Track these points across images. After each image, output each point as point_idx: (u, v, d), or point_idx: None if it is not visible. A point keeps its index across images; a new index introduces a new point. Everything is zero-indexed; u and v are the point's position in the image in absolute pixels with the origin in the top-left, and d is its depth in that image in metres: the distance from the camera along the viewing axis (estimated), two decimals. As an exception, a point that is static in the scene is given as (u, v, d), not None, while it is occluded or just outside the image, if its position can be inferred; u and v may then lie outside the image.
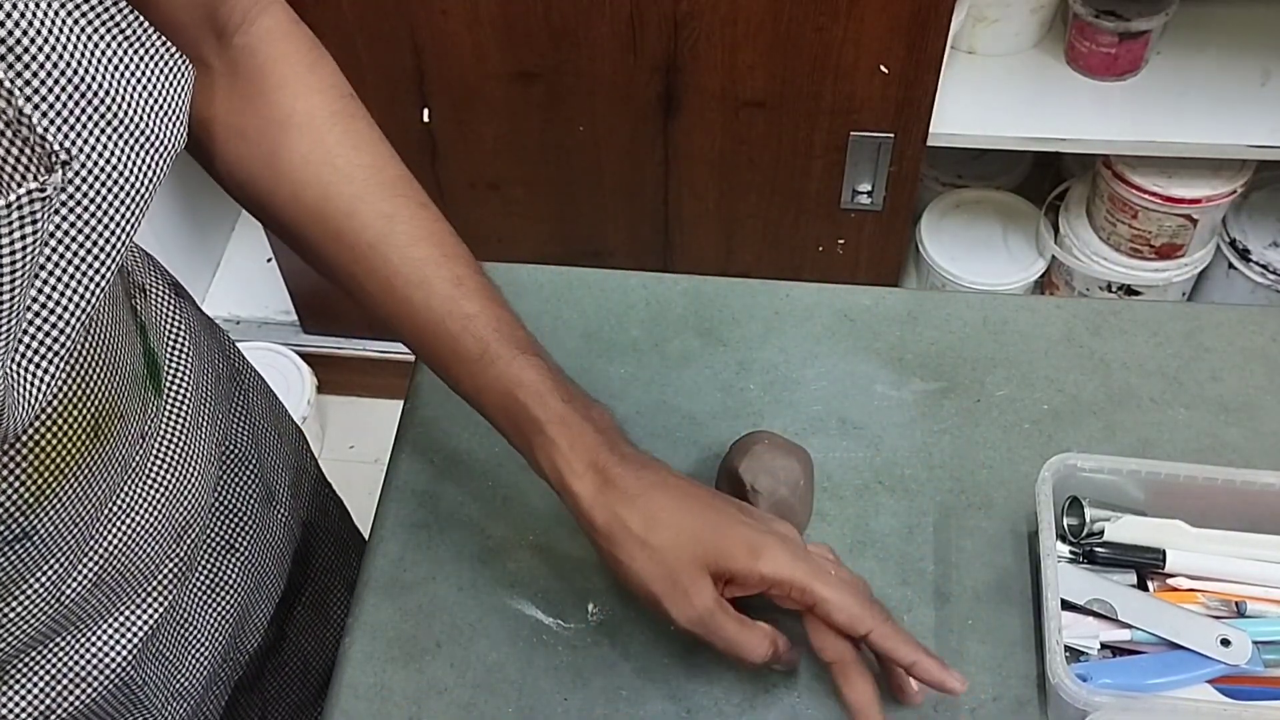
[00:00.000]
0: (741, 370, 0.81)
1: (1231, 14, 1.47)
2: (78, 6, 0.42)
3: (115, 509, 0.57)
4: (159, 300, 0.66)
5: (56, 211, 0.43)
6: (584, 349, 0.83)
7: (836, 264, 1.52)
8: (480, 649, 0.70)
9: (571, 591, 0.71)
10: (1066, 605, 0.66)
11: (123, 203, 0.45)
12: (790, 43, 1.26)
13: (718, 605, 0.60)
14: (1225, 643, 0.65)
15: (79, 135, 0.42)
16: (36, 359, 0.44)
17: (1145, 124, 1.37)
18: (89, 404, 0.52)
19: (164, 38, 0.47)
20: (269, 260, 1.83)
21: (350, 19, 1.31)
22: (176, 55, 0.48)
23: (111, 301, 0.55)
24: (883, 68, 1.27)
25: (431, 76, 1.37)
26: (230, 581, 0.70)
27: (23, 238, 0.39)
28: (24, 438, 0.48)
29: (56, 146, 0.40)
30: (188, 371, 0.65)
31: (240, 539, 0.71)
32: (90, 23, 0.43)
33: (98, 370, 0.52)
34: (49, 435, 0.49)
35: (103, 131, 0.43)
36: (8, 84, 0.38)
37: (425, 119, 1.41)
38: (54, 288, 0.44)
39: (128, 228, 0.46)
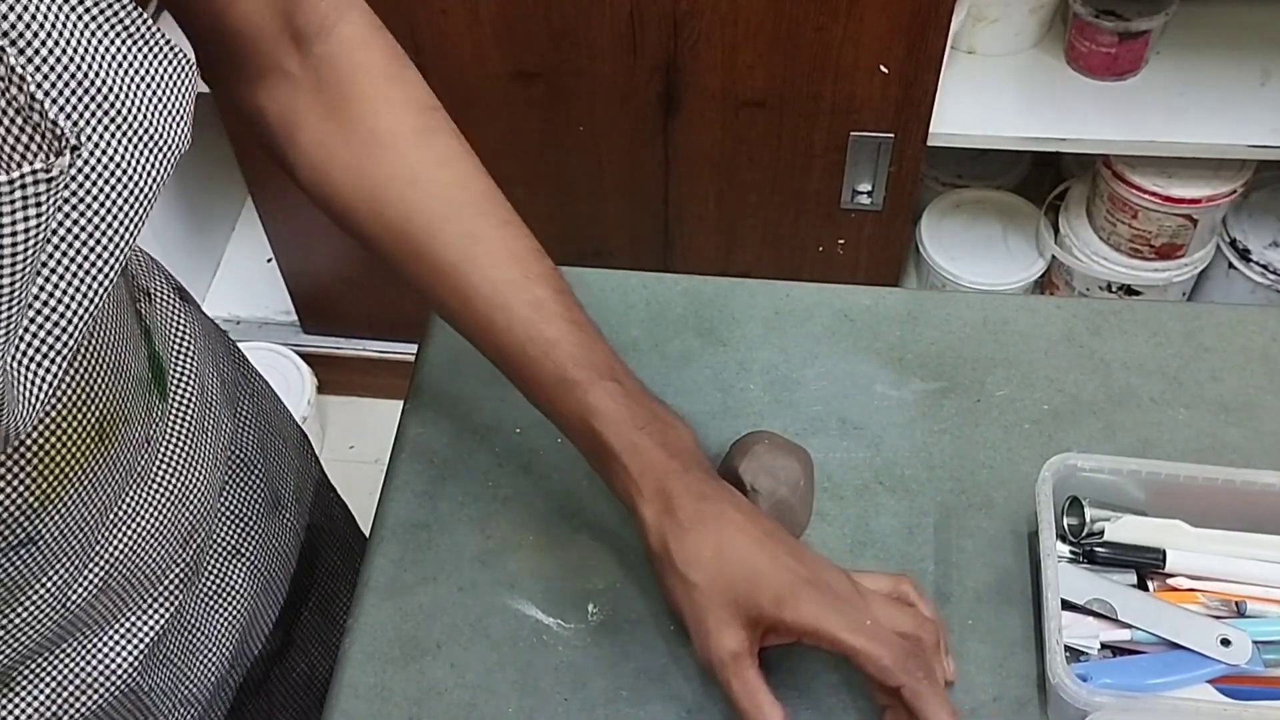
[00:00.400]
0: (741, 370, 0.81)
1: (1231, 14, 1.47)
2: (81, 2, 0.42)
3: (120, 514, 0.57)
4: (164, 304, 0.66)
5: (59, 209, 0.43)
6: (584, 349, 0.83)
7: (836, 264, 1.52)
8: (480, 649, 0.70)
9: (571, 591, 0.71)
10: (1066, 605, 0.66)
11: (127, 201, 0.45)
12: (790, 43, 1.26)
13: (733, 659, 0.59)
14: (1225, 643, 0.65)
15: (84, 130, 0.42)
16: (39, 357, 0.44)
17: (1145, 124, 1.37)
18: (94, 407, 0.52)
19: (168, 37, 0.47)
20: (269, 260, 1.83)
21: (350, 19, 1.31)
22: (181, 55, 0.48)
23: (116, 304, 0.54)
24: (883, 68, 1.27)
25: (431, 76, 1.35)
26: (237, 587, 0.70)
27: (25, 219, 0.39)
28: (28, 441, 0.48)
29: (66, 131, 0.40)
30: (193, 376, 0.65)
31: (246, 544, 0.71)
32: (95, 19, 0.43)
33: (102, 373, 0.52)
34: (53, 439, 0.49)
35: (107, 128, 0.43)
36: (19, 69, 0.38)
37: (425, 119, 1.40)
38: (57, 285, 0.44)
39: (132, 226, 0.46)
